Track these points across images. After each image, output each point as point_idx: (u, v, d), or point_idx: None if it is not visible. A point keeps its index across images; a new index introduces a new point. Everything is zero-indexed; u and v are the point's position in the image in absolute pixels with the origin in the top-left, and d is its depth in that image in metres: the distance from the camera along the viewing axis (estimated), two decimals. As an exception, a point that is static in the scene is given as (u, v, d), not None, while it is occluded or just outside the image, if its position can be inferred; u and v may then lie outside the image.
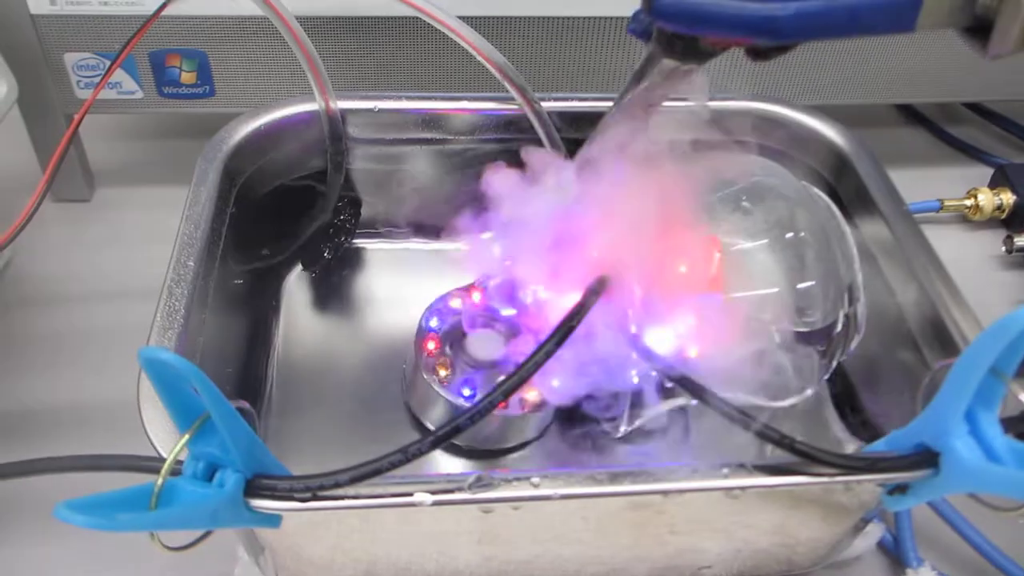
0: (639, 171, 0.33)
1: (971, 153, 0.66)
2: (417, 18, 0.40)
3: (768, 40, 0.26)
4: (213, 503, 0.24)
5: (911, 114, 0.70)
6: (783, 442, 0.28)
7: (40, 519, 0.39)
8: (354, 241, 0.46)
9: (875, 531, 0.41)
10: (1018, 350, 0.26)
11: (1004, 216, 0.59)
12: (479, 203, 0.40)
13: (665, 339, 0.34)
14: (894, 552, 0.41)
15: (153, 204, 0.52)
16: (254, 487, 0.25)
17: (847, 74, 0.56)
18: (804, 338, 0.37)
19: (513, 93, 0.40)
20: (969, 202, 0.59)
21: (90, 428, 0.42)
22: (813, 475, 0.28)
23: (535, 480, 0.27)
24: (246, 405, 0.26)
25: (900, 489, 0.31)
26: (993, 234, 0.59)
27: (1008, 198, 0.59)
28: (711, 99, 0.45)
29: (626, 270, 0.32)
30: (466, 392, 0.37)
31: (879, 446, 0.30)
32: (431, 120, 0.44)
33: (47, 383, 0.45)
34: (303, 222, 0.43)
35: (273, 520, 0.27)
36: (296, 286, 0.44)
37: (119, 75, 0.50)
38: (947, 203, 0.59)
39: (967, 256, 0.59)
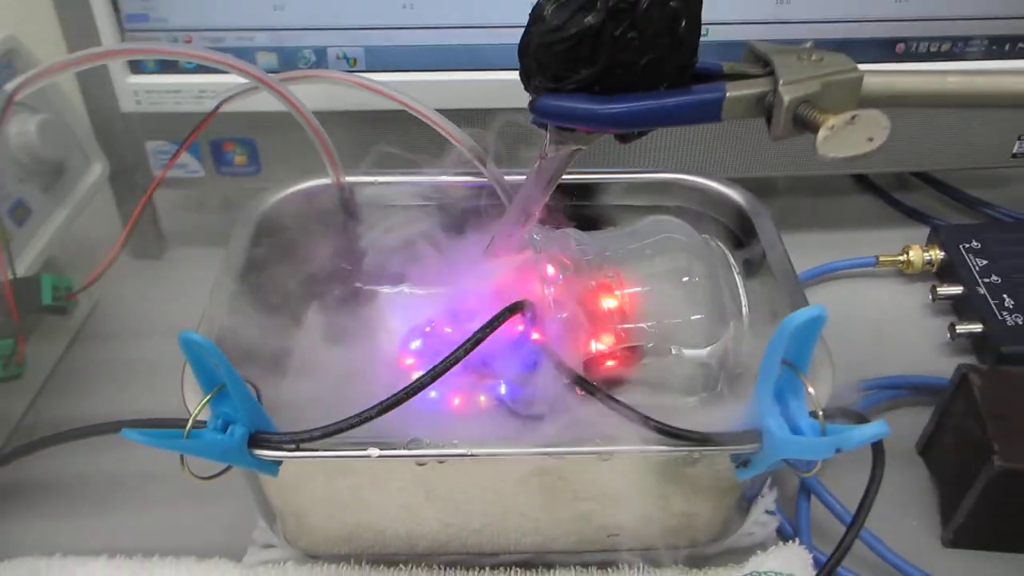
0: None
1: (915, 216, 0.75)
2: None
3: (615, 129, 0.37)
4: (226, 445, 0.35)
5: (865, 183, 0.79)
6: (641, 419, 0.37)
7: (109, 490, 0.51)
8: (360, 284, 0.57)
9: (772, 521, 0.49)
10: (802, 346, 0.36)
11: (935, 270, 0.67)
12: (459, 256, 0.51)
13: (578, 354, 0.44)
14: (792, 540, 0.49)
15: (211, 262, 0.65)
16: (255, 439, 0.36)
17: (807, 149, 0.65)
18: (694, 358, 0.46)
19: (480, 168, 0.52)
20: (902, 258, 0.67)
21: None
22: (662, 444, 0.38)
23: (455, 442, 0.37)
24: (253, 381, 0.36)
25: (744, 463, 0.40)
26: (925, 286, 0.65)
27: (937, 254, 0.66)
28: (648, 172, 0.56)
29: (541, 303, 0.42)
30: (433, 395, 0.47)
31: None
32: (422, 190, 0.55)
33: (123, 399, 0.57)
34: (319, 269, 0.54)
35: (271, 467, 0.38)
36: (313, 321, 0.54)
37: (185, 158, 0.62)
38: (882, 259, 0.67)
39: (900, 304, 0.66)
